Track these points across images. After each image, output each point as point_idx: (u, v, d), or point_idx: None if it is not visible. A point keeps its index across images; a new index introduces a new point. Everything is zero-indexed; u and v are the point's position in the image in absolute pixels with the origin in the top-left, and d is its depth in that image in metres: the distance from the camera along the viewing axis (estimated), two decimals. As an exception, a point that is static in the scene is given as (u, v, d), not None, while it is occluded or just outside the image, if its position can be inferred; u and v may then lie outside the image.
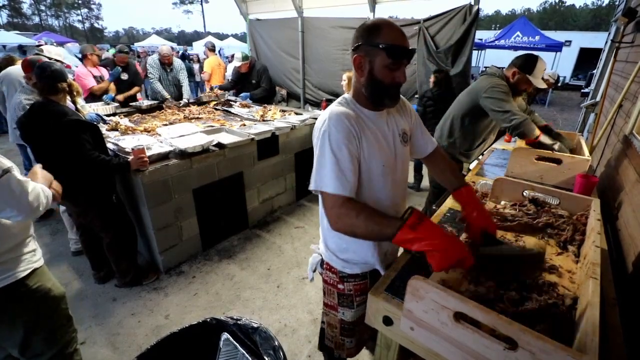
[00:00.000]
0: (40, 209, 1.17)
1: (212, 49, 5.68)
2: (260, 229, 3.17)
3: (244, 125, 3.40)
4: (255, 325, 1.09)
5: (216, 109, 4.27)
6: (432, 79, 3.62)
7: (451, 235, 0.88)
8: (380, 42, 0.93)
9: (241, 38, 23.53)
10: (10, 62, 3.61)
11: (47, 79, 1.93)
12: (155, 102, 4.22)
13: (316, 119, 3.64)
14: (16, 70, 3.21)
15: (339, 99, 1.08)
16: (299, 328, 2.06)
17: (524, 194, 1.45)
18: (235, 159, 2.82)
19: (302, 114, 3.86)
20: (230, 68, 6.43)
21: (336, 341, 1.33)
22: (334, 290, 1.26)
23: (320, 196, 1.04)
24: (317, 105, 5.90)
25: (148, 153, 2.27)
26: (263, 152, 3.06)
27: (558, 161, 1.78)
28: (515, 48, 10.46)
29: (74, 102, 2.26)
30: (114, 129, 3.18)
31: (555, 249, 1.16)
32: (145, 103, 4.15)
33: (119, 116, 3.72)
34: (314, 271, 1.36)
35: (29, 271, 1.23)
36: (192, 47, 20.87)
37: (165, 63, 4.32)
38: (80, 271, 2.56)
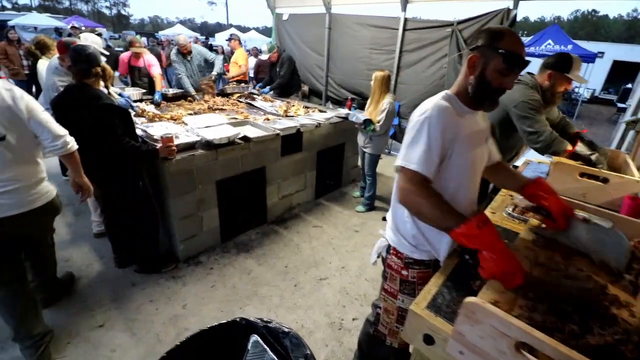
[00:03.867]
0: (67, 147, 1.67)
1: (239, 41, 5.67)
2: (278, 225, 3.15)
3: (268, 119, 3.38)
4: (286, 330, 1.05)
5: (239, 101, 4.28)
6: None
7: (510, 248, 0.92)
8: (500, 47, 0.99)
9: (263, 32, 23.61)
10: (43, 45, 3.60)
11: (82, 62, 1.94)
12: (180, 90, 4.24)
13: (341, 117, 3.59)
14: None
15: (442, 94, 1.11)
16: (316, 330, 2.03)
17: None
18: (259, 153, 2.80)
19: (326, 112, 3.82)
20: (252, 62, 6.45)
21: (390, 328, 1.36)
22: (397, 276, 1.28)
23: (398, 174, 1.10)
24: (338, 103, 5.83)
25: (175, 142, 2.27)
26: (286, 148, 3.03)
27: (604, 179, 1.68)
28: (546, 57, 10.08)
29: (106, 87, 2.27)
30: (141, 115, 3.21)
31: (608, 277, 1.08)
32: (170, 91, 4.19)
33: (145, 103, 3.76)
34: (379, 256, 1.39)
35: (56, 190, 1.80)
36: (215, 39, 21.03)
37: (184, 53, 4.31)
38: (102, 253, 2.60)
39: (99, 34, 4.16)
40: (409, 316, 0.97)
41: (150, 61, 4.15)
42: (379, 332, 1.43)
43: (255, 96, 4.51)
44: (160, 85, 4.00)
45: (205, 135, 2.45)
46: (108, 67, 2.07)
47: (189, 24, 56.61)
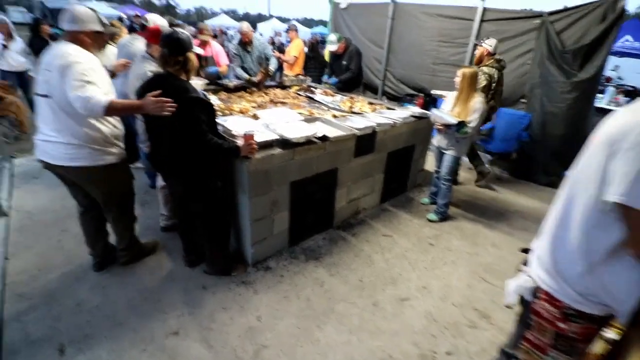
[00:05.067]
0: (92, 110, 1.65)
1: (296, 31, 5.47)
2: (344, 230, 2.92)
3: (335, 116, 3.14)
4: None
5: (299, 94, 4.08)
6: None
7: None
8: None
9: (304, 23, 23.32)
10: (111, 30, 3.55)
11: (173, 49, 1.80)
12: (241, 82, 4.12)
13: (416, 117, 3.26)
14: (134, 42, 2.89)
15: None
16: (406, 362, 1.79)
17: None
18: (333, 154, 2.57)
19: (395, 109, 3.51)
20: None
21: None
22: (551, 328, 1.05)
23: (620, 210, 0.82)
24: (396, 99, 5.47)
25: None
26: (360, 149, 2.77)
27: None
28: (622, 54, 8.93)
29: (187, 79, 2.12)
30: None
31: None
32: (232, 82, 4.07)
33: (209, 93, 3.66)
34: (519, 297, 1.14)
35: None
36: (257, 29, 21.04)
37: (246, 42, 4.15)
38: (170, 249, 2.52)
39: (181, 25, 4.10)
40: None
41: (217, 51, 4.05)
42: None
43: (313, 89, 4.29)
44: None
45: (284, 133, 2.26)
46: (194, 58, 1.92)
47: (231, 14, 57.63)
